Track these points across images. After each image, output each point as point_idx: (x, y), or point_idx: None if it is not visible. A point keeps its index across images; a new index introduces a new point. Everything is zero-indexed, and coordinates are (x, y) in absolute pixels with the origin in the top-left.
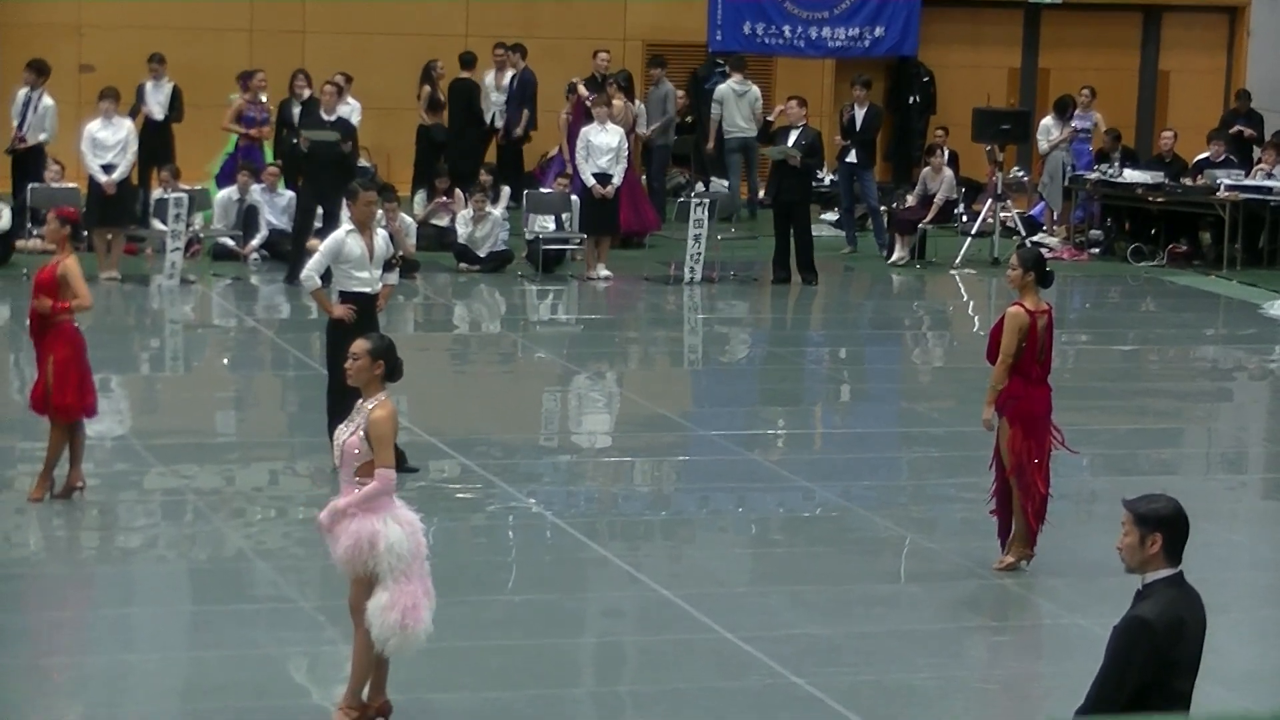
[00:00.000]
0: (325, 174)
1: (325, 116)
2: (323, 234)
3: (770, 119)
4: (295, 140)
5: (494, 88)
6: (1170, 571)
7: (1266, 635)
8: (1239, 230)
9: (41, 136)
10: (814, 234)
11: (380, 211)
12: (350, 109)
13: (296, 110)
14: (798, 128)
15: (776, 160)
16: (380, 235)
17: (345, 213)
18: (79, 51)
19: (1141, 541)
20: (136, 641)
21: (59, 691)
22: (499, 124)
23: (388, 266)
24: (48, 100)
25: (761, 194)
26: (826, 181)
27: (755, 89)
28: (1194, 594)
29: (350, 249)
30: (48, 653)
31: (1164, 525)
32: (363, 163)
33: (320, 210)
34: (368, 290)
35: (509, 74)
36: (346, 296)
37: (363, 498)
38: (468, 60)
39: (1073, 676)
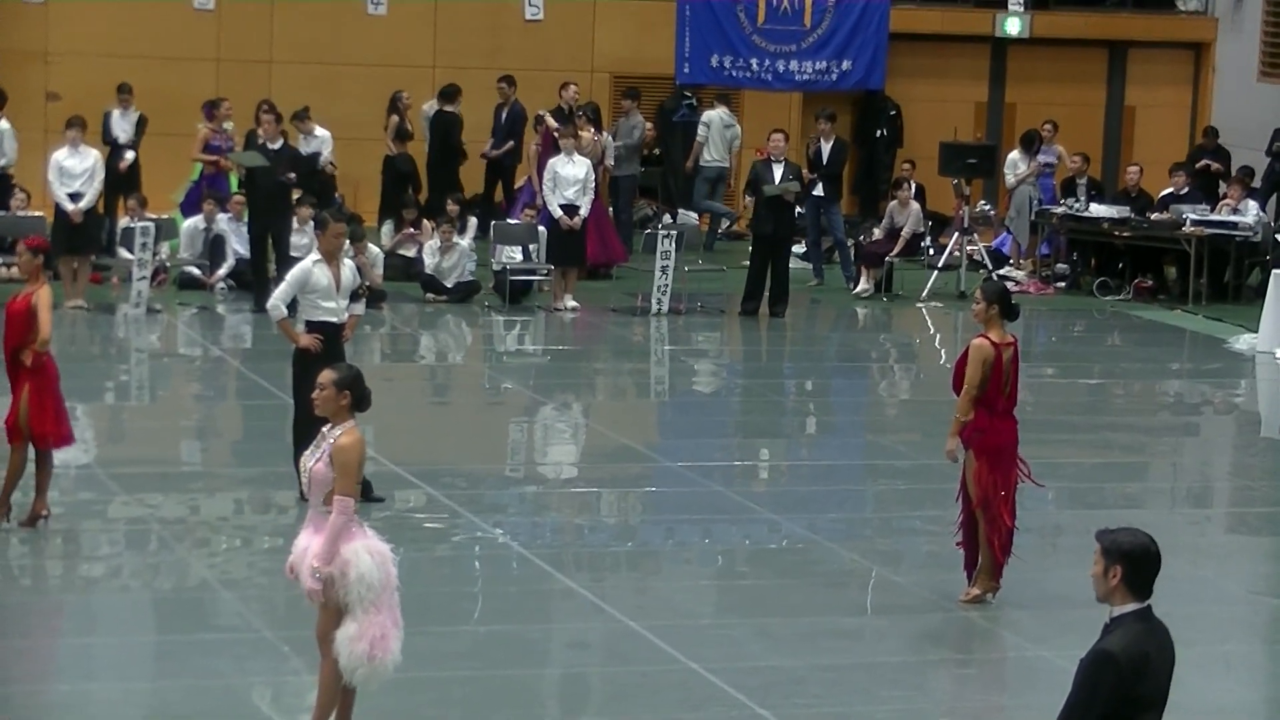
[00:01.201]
0: (266, 202)
1: (269, 145)
2: (281, 260)
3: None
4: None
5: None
6: (1137, 606)
7: (1232, 669)
8: (1204, 265)
9: (0, 161)
10: None
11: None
12: (320, 139)
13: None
14: (779, 161)
15: (771, 196)
16: (347, 265)
17: (302, 243)
18: (46, 79)
19: (1105, 573)
20: (99, 671)
21: None
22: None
23: (354, 296)
24: (3, 124)
25: (735, 226)
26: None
27: (738, 128)
28: (1161, 629)
29: (317, 279)
30: (9, 680)
31: (1125, 559)
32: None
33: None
34: (334, 320)
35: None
36: (313, 326)
37: (330, 538)
38: (449, 94)
39: (1037, 709)
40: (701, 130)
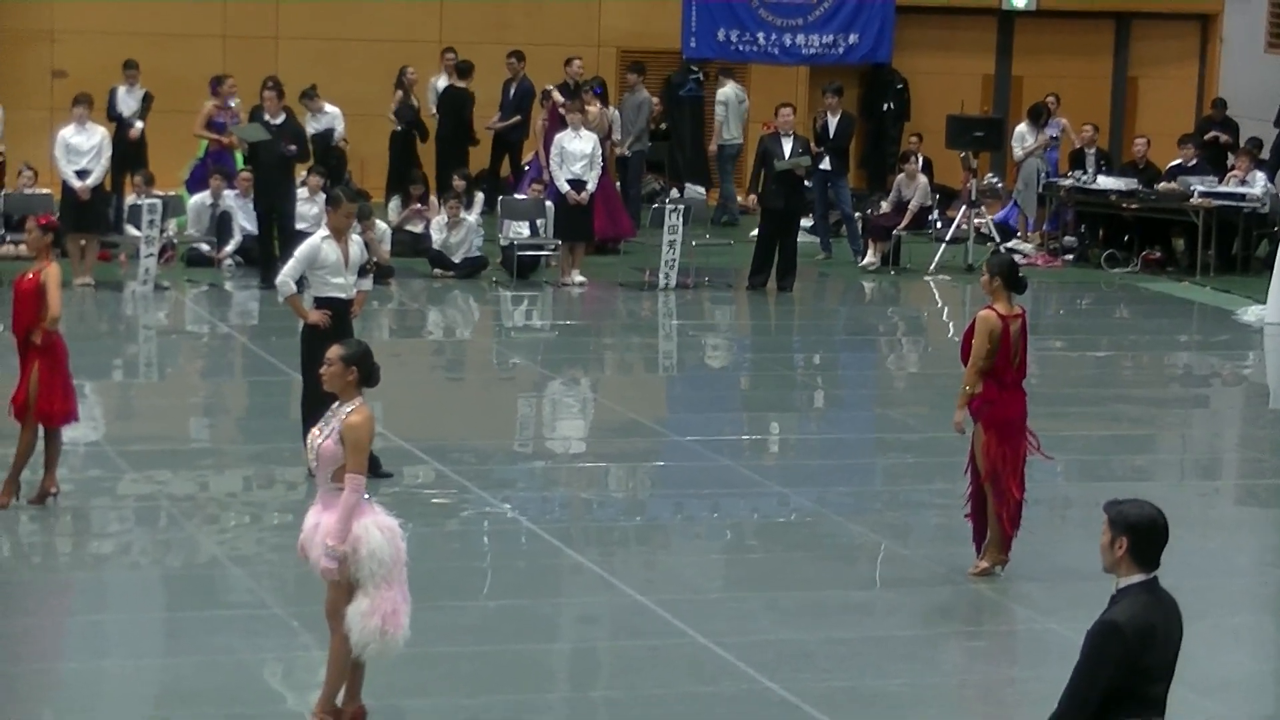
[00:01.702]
0: (269, 176)
1: (271, 120)
2: (284, 238)
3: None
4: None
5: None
6: (1143, 577)
7: (1240, 642)
8: (1212, 237)
9: None
10: None
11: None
12: (331, 115)
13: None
14: (789, 135)
15: (782, 170)
16: (355, 241)
17: (311, 213)
18: (52, 57)
19: (1111, 543)
20: (110, 648)
21: (32, 698)
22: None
23: (362, 272)
24: None
25: (751, 199)
26: None
27: (748, 101)
28: (1169, 600)
29: (326, 255)
30: (20, 659)
31: (1130, 529)
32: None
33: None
34: (342, 296)
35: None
36: (321, 302)
37: (343, 516)
38: (464, 69)
39: (1047, 681)
40: (720, 110)
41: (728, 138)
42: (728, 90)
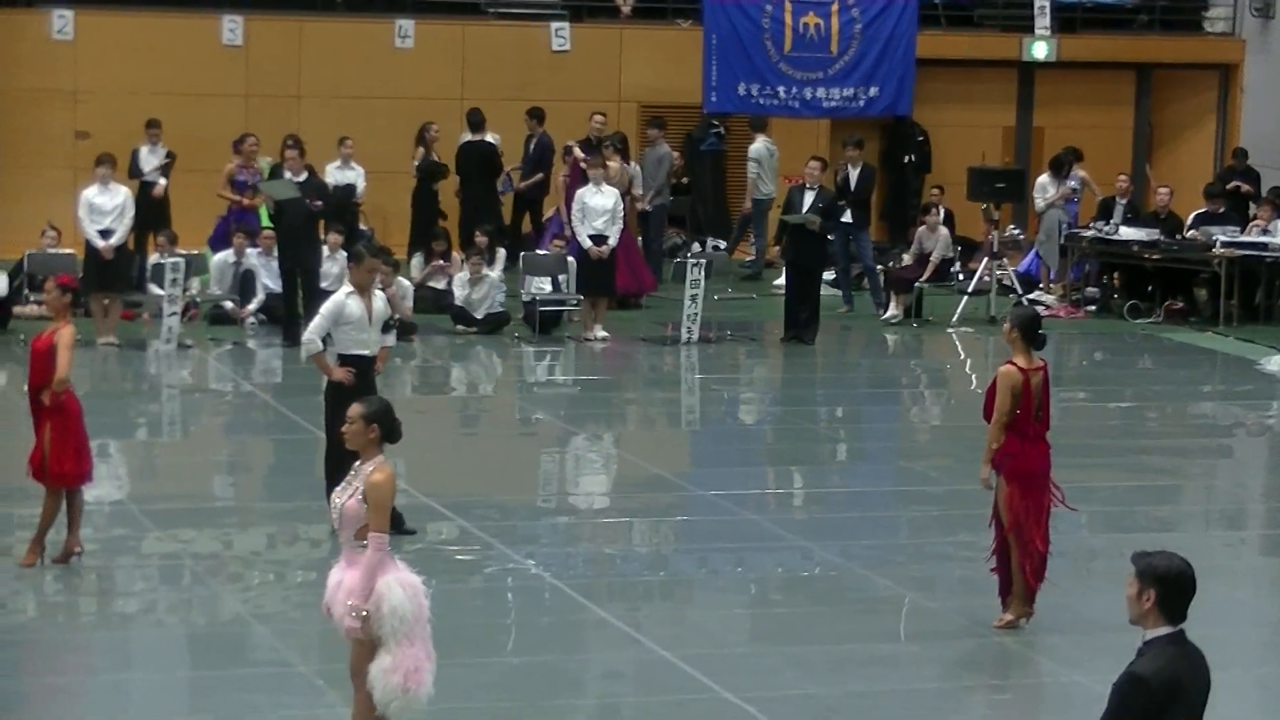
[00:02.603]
0: (294, 234)
1: (293, 178)
2: (309, 296)
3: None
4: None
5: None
6: (1170, 630)
7: (1268, 692)
8: (1235, 286)
9: None
10: None
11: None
12: (358, 173)
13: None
14: (813, 188)
15: (795, 225)
16: (379, 297)
17: (333, 271)
18: (75, 118)
19: (1139, 595)
20: (134, 707)
21: None
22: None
23: (386, 328)
24: None
25: (775, 253)
26: None
27: (777, 152)
28: (1196, 653)
29: (351, 310)
30: (46, 718)
31: (1159, 581)
32: (360, 226)
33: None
34: (366, 353)
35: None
36: (345, 359)
37: (366, 575)
38: (476, 123)
39: None
40: (752, 167)
41: (765, 193)
42: (759, 146)
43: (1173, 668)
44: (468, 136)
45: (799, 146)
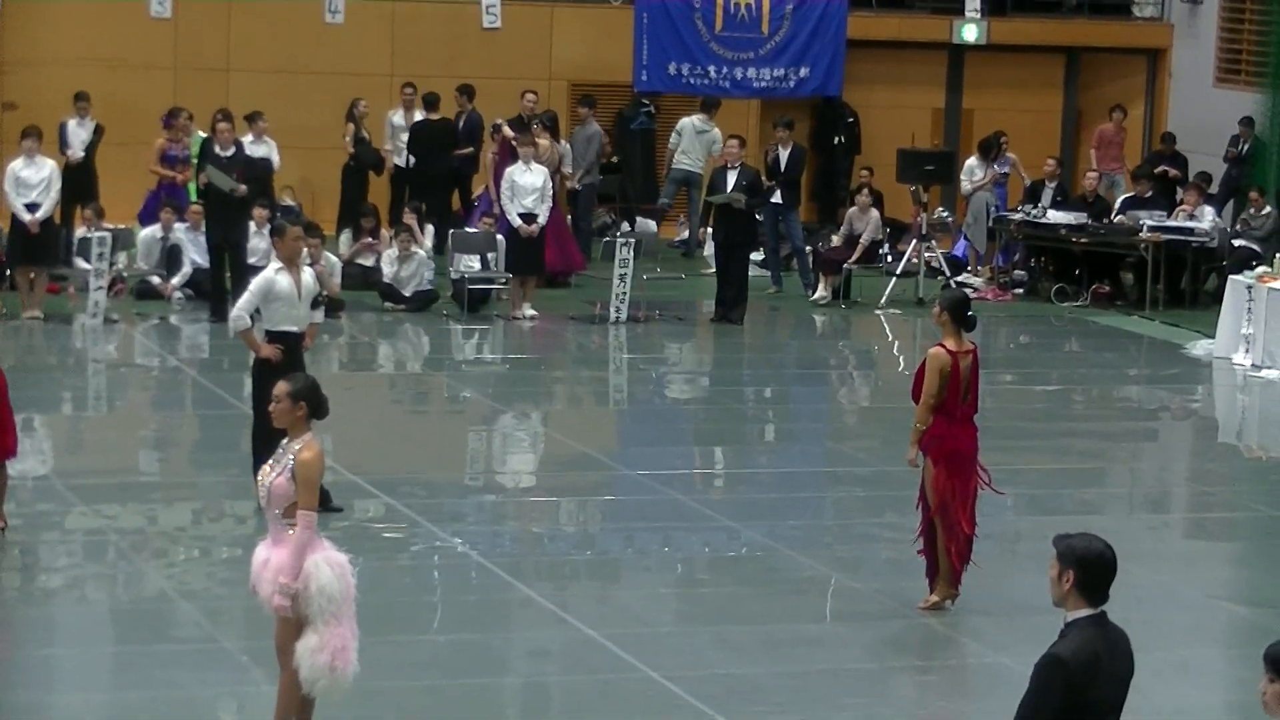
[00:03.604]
0: (222, 209)
1: (220, 152)
2: (236, 271)
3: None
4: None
5: (402, 127)
6: (1090, 611)
7: (1190, 675)
8: (1161, 271)
9: None
10: None
11: (305, 249)
12: (270, 146)
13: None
14: (735, 167)
15: (721, 205)
16: (308, 272)
17: (260, 247)
18: (1, 89)
19: (1059, 577)
20: (58, 682)
21: None
22: (402, 163)
23: (314, 304)
24: None
25: (704, 234)
26: None
27: (717, 132)
28: (1117, 634)
29: (280, 287)
30: None
31: (1078, 563)
32: (287, 201)
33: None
34: (295, 329)
35: (416, 114)
36: (273, 336)
37: (295, 553)
38: (431, 101)
39: (998, 715)
40: (674, 138)
41: (686, 165)
42: (687, 120)
43: (1092, 648)
44: (404, 115)
45: (729, 127)
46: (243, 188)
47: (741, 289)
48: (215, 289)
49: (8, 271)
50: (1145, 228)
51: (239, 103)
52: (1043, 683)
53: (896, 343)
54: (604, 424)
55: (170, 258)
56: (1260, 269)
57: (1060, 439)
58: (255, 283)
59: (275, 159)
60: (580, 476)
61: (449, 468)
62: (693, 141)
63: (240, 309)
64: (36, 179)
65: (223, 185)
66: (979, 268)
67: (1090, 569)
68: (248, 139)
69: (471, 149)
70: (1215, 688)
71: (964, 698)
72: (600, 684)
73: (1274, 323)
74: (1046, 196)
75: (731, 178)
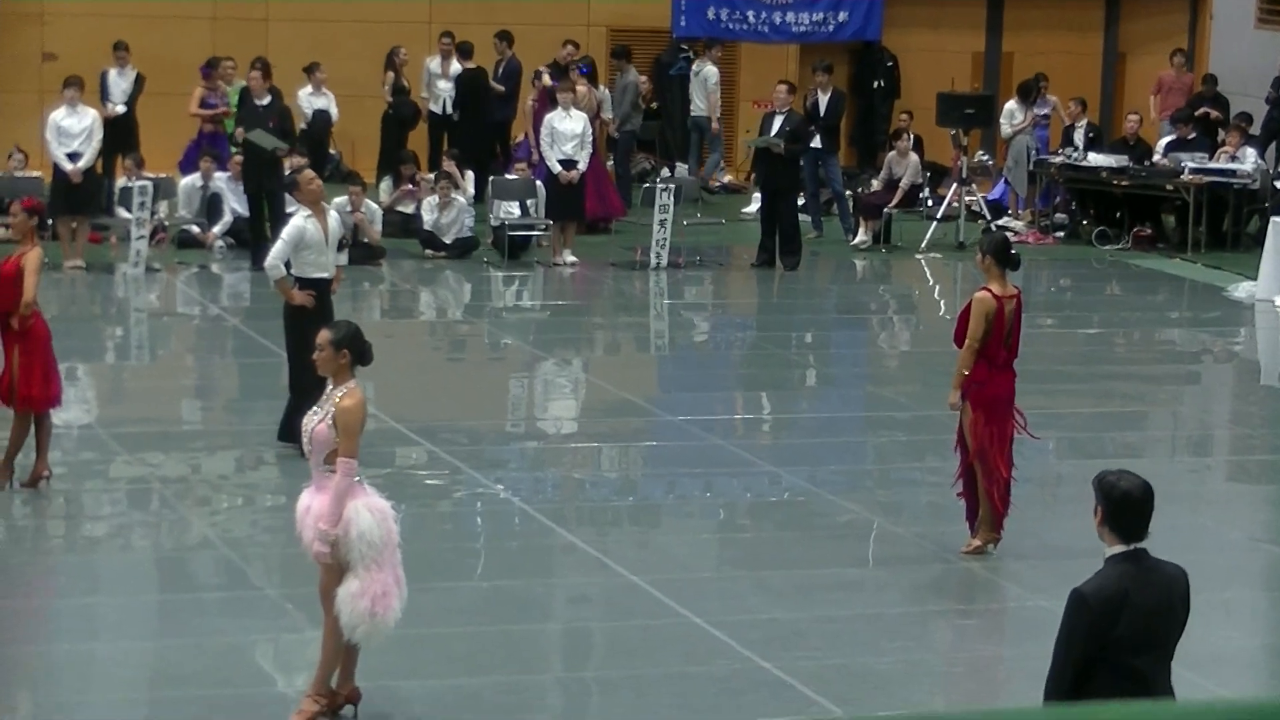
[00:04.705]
0: (257, 163)
1: (256, 102)
2: (275, 219)
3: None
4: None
5: (440, 75)
6: (1124, 547)
7: (1232, 617)
8: (1203, 213)
9: None
10: None
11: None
12: (327, 99)
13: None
14: (783, 113)
15: (760, 148)
16: (333, 216)
17: (289, 199)
18: (41, 39)
19: (1095, 512)
20: (102, 630)
21: (24, 680)
22: (449, 111)
23: (339, 247)
24: None
25: (739, 179)
26: None
27: (710, 68)
28: (1154, 571)
29: (310, 234)
30: (13, 641)
31: (1105, 499)
32: (330, 150)
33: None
34: (325, 275)
35: (454, 64)
36: (304, 283)
37: (335, 500)
38: (466, 50)
39: (1037, 659)
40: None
41: (694, 112)
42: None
43: (1118, 585)
44: (440, 63)
45: (768, 72)
46: (285, 146)
47: (791, 237)
48: (254, 237)
49: (50, 221)
50: (1187, 170)
51: (278, 53)
52: (1067, 620)
53: (937, 287)
54: (645, 369)
55: (211, 206)
56: None
57: (1101, 382)
58: (286, 231)
59: (334, 111)
60: (621, 422)
61: (490, 414)
62: (692, 85)
63: (274, 258)
64: (78, 128)
65: (266, 145)
66: (1019, 211)
67: (1117, 504)
68: (306, 89)
69: (504, 89)
70: (1256, 630)
71: (1004, 642)
72: (641, 629)
73: None
74: (1079, 138)
75: (777, 123)
